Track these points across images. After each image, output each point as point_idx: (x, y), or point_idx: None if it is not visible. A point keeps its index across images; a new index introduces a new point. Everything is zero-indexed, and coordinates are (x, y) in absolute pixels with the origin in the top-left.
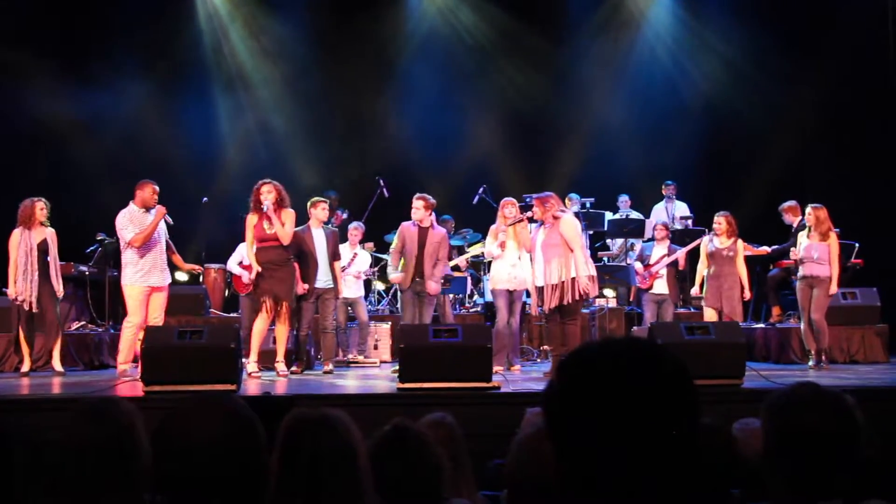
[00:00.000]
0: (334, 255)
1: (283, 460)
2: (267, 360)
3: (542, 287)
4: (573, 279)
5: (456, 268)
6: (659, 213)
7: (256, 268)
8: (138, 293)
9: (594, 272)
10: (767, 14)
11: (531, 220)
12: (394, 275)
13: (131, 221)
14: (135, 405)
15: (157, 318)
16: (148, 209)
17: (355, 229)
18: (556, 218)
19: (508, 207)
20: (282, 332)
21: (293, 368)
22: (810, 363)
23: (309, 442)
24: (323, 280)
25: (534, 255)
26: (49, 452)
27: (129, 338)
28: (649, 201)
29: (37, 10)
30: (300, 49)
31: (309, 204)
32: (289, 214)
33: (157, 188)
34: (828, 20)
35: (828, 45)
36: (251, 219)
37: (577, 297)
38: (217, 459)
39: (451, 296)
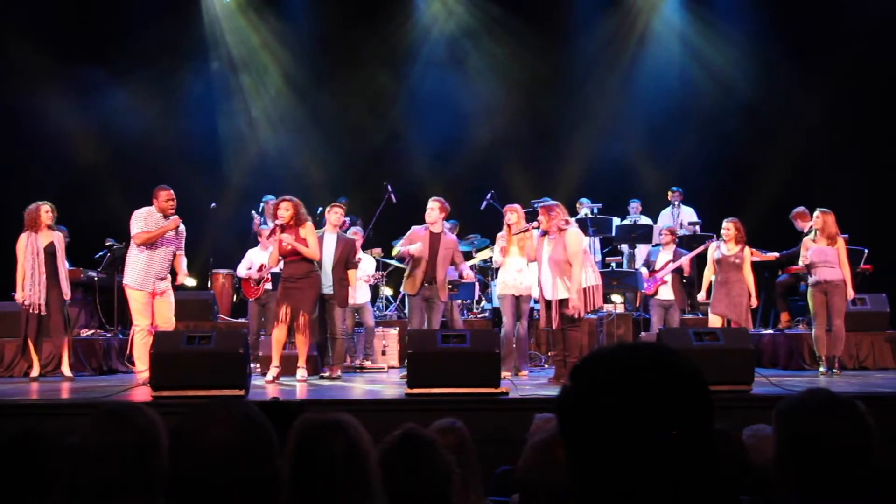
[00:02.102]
0: (344, 263)
1: (294, 465)
2: (286, 366)
3: (550, 301)
4: (579, 291)
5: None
6: (665, 218)
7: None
8: (139, 296)
9: (599, 281)
10: (776, 17)
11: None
12: (413, 247)
13: (145, 219)
14: (157, 412)
15: (167, 322)
16: (166, 215)
17: (354, 233)
18: (560, 230)
19: (508, 214)
20: (302, 341)
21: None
22: (821, 369)
23: (320, 446)
24: (325, 285)
25: (539, 265)
26: (69, 455)
27: (141, 343)
28: (656, 206)
29: (43, 13)
30: (308, 56)
31: (326, 209)
32: (308, 230)
33: (172, 193)
34: (836, 23)
35: (837, 49)
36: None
37: (581, 311)
38: (231, 465)
39: (459, 301)
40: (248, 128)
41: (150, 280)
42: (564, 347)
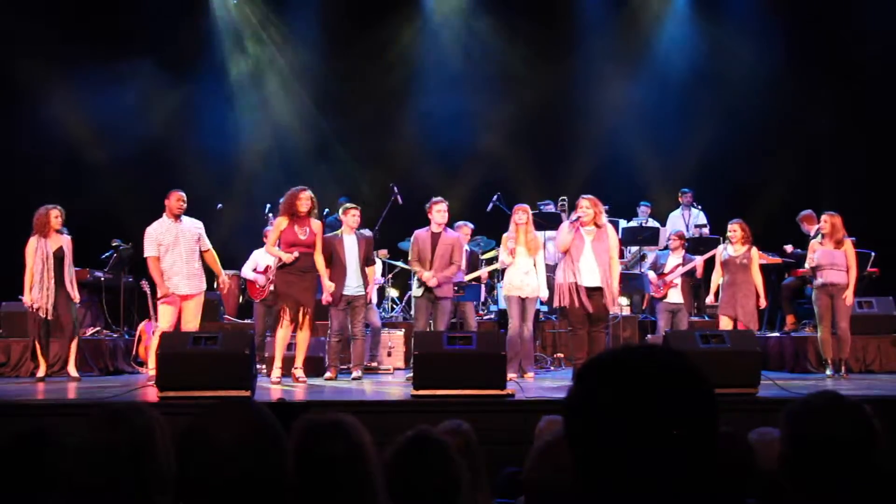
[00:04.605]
0: (367, 261)
1: (295, 465)
2: (285, 366)
3: (595, 287)
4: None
5: (477, 278)
6: (675, 221)
7: (288, 256)
8: (167, 299)
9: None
10: (786, 19)
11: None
12: (427, 274)
13: (153, 236)
14: (157, 411)
15: (190, 325)
16: (178, 217)
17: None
18: (603, 224)
19: (519, 213)
20: (303, 338)
21: (328, 375)
22: (828, 372)
23: (320, 447)
24: (353, 287)
25: (578, 253)
26: (67, 455)
27: (155, 344)
28: (664, 208)
29: (50, 15)
30: (316, 57)
31: (340, 210)
32: (317, 224)
33: (182, 195)
34: (847, 26)
35: (846, 51)
36: (281, 221)
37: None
38: (242, 465)
39: (475, 303)
40: (256, 129)
41: (175, 281)
42: (591, 350)
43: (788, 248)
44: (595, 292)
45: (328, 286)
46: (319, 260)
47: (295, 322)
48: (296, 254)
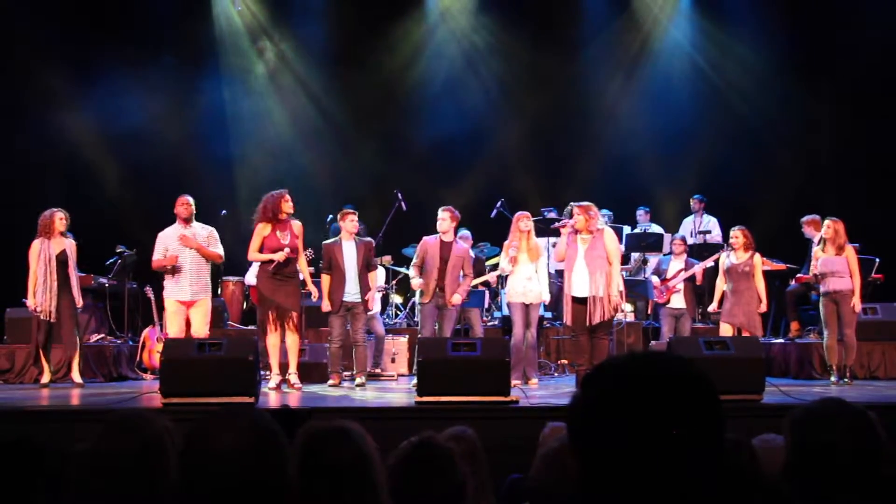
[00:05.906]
0: (367, 267)
1: (300, 472)
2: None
3: (585, 298)
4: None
5: (486, 284)
6: (687, 227)
7: (280, 255)
8: (169, 306)
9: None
10: (790, 23)
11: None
12: (415, 280)
13: (162, 241)
14: (168, 420)
15: (199, 332)
16: (187, 221)
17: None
18: (598, 229)
19: (524, 221)
20: (292, 343)
21: (331, 382)
22: (832, 379)
23: (325, 453)
24: (352, 293)
25: (571, 264)
26: (75, 462)
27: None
28: (669, 214)
29: (54, 20)
30: (320, 64)
31: (339, 216)
32: (297, 226)
33: (186, 199)
34: (850, 30)
35: (850, 57)
36: (263, 228)
37: (613, 313)
38: (244, 472)
39: (482, 309)
40: (260, 135)
41: (180, 289)
42: (593, 356)
43: (783, 265)
44: (585, 302)
45: (314, 291)
46: (302, 263)
47: (281, 328)
48: (287, 250)
